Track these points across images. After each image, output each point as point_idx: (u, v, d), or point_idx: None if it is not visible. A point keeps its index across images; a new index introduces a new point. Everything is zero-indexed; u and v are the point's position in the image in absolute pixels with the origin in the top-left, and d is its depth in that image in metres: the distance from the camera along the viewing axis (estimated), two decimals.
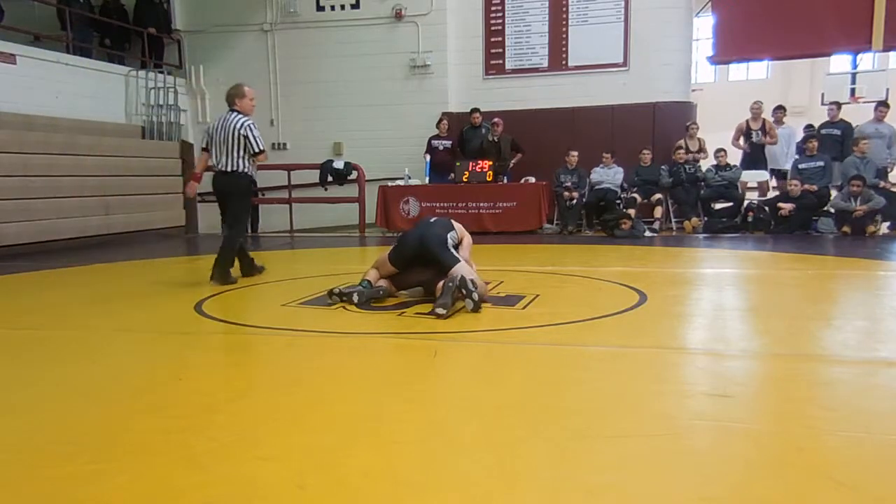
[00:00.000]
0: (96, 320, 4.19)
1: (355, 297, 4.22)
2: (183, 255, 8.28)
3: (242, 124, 5.30)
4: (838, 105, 9.57)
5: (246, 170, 5.39)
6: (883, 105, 9.24)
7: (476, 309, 3.93)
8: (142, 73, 10.62)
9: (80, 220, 8.81)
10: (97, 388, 2.78)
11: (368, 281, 4.36)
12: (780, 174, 9.62)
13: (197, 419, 2.34)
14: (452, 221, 4.64)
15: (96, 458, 2.00)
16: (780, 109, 9.89)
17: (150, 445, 2.10)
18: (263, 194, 11.06)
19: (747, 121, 9.72)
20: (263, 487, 1.79)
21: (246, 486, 1.81)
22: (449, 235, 4.41)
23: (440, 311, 3.80)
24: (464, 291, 3.93)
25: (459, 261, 4.23)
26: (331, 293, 4.28)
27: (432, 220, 4.66)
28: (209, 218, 10.95)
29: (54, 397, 2.66)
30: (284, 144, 11.59)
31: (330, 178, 10.36)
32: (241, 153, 5.32)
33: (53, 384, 2.84)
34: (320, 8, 11.18)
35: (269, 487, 1.79)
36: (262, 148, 5.37)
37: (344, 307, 4.19)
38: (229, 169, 5.35)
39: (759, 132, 9.58)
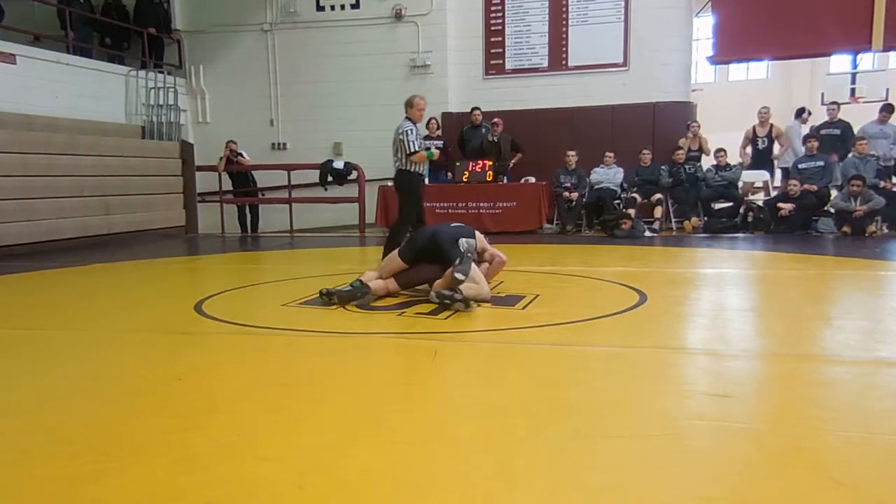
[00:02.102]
0: (96, 320, 4.19)
1: (335, 298, 4.19)
2: (183, 255, 8.28)
3: (402, 129, 6.12)
4: (837, 105, 9.61)
5: (408, 168, 6.15)
6: (886, 109, 9.28)
7: (465, 304, 3.94)
8: (142, 73, 10.63)
9: (80, 220, 8.81)
10: (97, 388, 2.78)
11: (360, 281, 4.31)
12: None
13: (197, 419, 2.34)
14: (477, 233, 4.61)
15: (96, 459, 2.00)
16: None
17: (150, 445, 2.10)
18: (263, 194, 11.07)
19: (754, 127, 9.74)
20: (263, 487, 1.79)
21: (246, 486, 1.81)
22: (465, 239, 4.38)
23: (459, 276, 3.97)
24: (448, 302, 3.97)
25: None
26: (321, 294, 4.27)
27: (453, 224, 4.67)
28: (209, 218, 10.97)
29: (54, 397, 2.67)
30: (284, 144, 11.59)
31: (330, 178, 10.37)
32: (403, 154, 6.12)
33: (53, 384, 2.84)
34: (320, 8, 11.18)
35: (269, 487, 1.79)
36: (413, 150, 6.08)
37: (344, 307, 4.18)
38: (398, 167, 6.23)
39: (766, 139, 9.61)
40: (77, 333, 3.80)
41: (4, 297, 5.24)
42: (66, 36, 10.05)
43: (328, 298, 4.24)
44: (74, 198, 8.77)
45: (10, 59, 8.53)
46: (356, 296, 4.25)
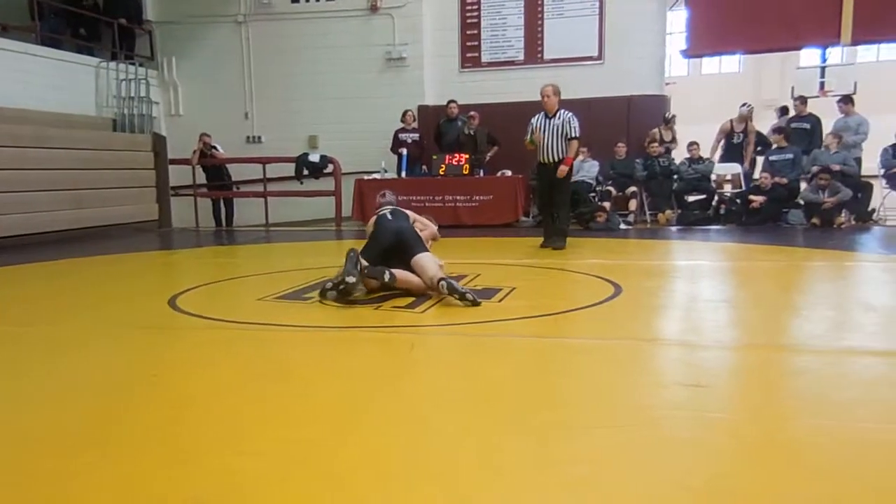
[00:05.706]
0: (68, 316, 4.13)
1: (350, 279, 3.97)
2: (156, 250, 8.17)
3: None
4: (804, 100, 9.81)
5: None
6: (843, 101, 9.51)
7: (474, 302, 3.92)
8: (112, 64, 10.44)
9: (49, 214, 8.63)
10: (74, 384, 2.74)
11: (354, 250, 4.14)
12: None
13: (177, 414, 2.33)
14: (406, 212, 4.78)
15: (76, 454, 1.98)
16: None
17: (130, 441, 2.09)
18: (238, 188, 10.97)
19: (731, 121, 9.90)
20: (248, 481, 1.79)
21: (230, 480, 1.81)
22: (415, 227, 4.62)
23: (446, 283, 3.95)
24: (456, 297, 3.93)
25: (426, 251, 4.35)
26: (324, 291, 4.15)
27: (390, 212, 4.65)
28: (183, 212, 10.84)
29: (29, 394, 2.62)
30: (259, 137, 11.49)
31: (305, 172, 10.31)
32: None
33: (27, 380, 2.79)
34: None
35: (254, 481, 1.79)
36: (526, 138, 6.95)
37: (321, 301, 4.16)
38: None
39: (741, 134, 9.79)
40: (50, 330, 3.74)
41: None
42: (36, 26, 9.82)
43: (336, 291, 4.07)
44: (44, 191, 8.58)
45: None
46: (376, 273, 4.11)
